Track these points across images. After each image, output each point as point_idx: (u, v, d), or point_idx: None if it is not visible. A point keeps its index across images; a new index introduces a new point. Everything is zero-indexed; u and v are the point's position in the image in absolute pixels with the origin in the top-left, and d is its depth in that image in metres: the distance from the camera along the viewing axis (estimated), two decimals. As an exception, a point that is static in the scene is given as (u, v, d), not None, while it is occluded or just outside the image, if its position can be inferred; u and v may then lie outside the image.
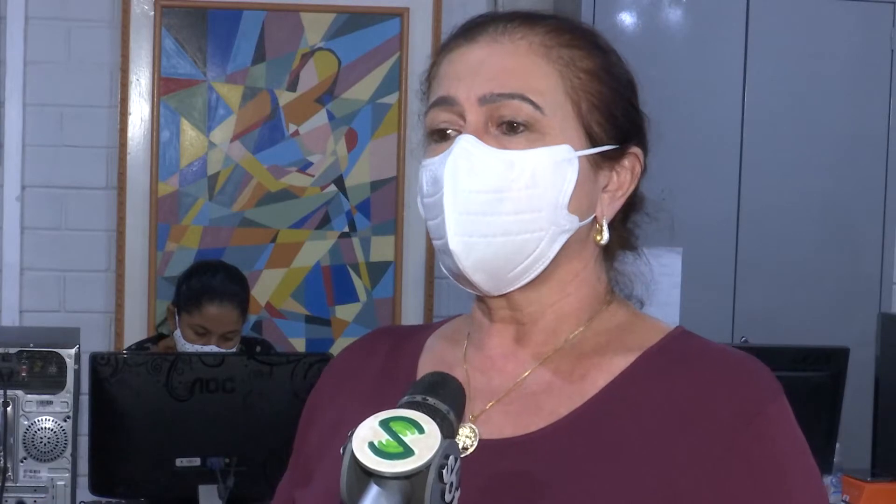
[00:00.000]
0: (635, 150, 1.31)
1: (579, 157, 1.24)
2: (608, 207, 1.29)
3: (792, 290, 4.42)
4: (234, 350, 3.62)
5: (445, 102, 1.26)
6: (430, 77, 1.31)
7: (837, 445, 3.48)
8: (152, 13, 4.41)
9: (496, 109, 1.23)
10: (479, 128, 1.24)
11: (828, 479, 3.51)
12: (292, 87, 4.50)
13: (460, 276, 1.25)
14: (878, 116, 4.48)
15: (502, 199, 1.21)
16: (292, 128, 4.51)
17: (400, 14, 4.52)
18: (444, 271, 1.27)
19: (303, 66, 4.50)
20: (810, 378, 3.41)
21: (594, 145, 1.26)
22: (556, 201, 1.23)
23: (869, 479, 3.65)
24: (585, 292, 1.30)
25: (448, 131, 1.26)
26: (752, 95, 4.39)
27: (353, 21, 4.51)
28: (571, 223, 1.25)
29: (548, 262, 1.24)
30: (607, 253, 1.32)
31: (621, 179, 1.30)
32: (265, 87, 4.49)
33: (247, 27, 4.47)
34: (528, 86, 1.24)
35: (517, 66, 1.25)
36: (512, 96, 1.23)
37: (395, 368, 1.36)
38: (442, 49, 1.31)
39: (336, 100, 4.52)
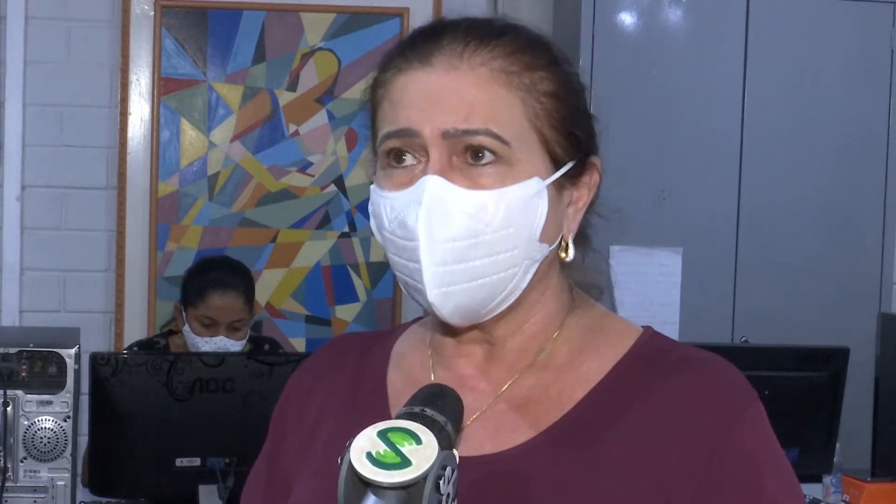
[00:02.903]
0: (594, 160, 1.28)
1: (547, 186, 1.22)
2: (573, 222, 1.28)
3: (792, 290, 4.42)
4: (243, 342, 3.64)
5: (406, 135, 1.21)
6: (379, 95, 1.25)
7: (837, 445, 3.48)
8: (152, 13, 4.41)
9: (462, 142, 1.20)
10: (444, 163, 1.19)
11: (828, 479, 3.51)
12: (292, 87, 4.50)
13: (435, 316, 1.24)
14: (878, 116, 4.47)
15: (477, 245, 1.19)
16: (292, 128, 4.51)
17: (400, 14, 4.52)
18: (410, 296, 1.25)
19: (303, 66, 4.50)
20: (810, 378, 3.41)
21: (557, 167, 1.24)
22: (529, 236, 1.21)
23: (869, 479, 3.64)
24: (552, 306, 1.29)
25: (406, 156, 1.21)
26: (752, 95, 4.38)
27: (353, 21, 4.51)
28: (543, 252, 1.24)
29: (520, 292, 1.23)
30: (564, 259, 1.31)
31: (581, 192, 1.28)
32: (265, 87, 4.49)
33: (247, 27, 4.47)
34: (492, 119, 1.20)
35: (480, 97, 1.20)
36: (478, 132, 1.19)
37: (362, 381, 1.35)
38: (390, 65, 1.25)
39: (336, 100, 4.51)
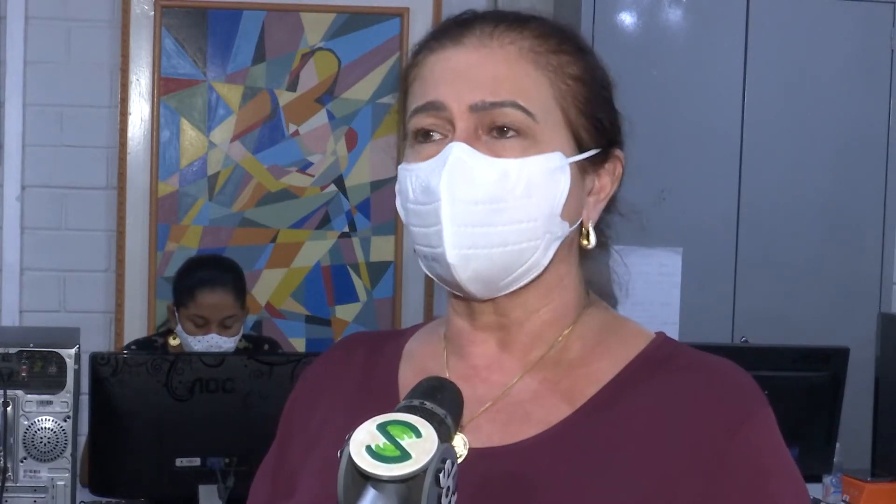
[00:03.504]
0: (618, 153, 1.30)
1: (570, 164, 1.24)
2: (593, 211, 1.29)
3: (792, 290, 4.42)
4: (236, 338, 3.64)
5: (433, 108, 1.24)
6: (411, 77, 1.29)
7: (837, 445, 3.48)
8: (152, 13, 4.41)
9: (488, 116, 1.22)
10: (469, 134, 1.22)
11: (828, 479, 3.51)
12: (292, 87, 4.50)
13: (453, 285, 1.24)
14: (878, 116, 4.48)
15: (499, 210, 1.21)
16: (292, 128, 4.51)
17: (400, 14, 4.52)
18: (429, 273, 1.26)
19: (303, 66, 4.50)
20: (810, 378, 3.41)
21: (581, 151, 1.26)
22: (550, 210, 1.23)
23: (869, 479, 3.64)
24: (569, 296, 1.30)
25: (433, 134, 1.24)
26: (752, 95, 4.39)
27: (353, 21, 4.51)
28: (564, 230, 1.25)
29: (541, 269, 1.24)
30: (583, 254, 1.32)
31: (603, 182, 1.30)
32: (265, 87, 4.49)
33: (247, 27, 4.47)
34: (519, 93, 1.23)
35: (508, 72, 1.24)
36: (504, 104, 1.22)
37: (373, 378, 1.36)
38: (423, 47, 1.29)
39: (336, 100, 4.51)
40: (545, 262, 1.24)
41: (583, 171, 1.26)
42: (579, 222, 1.28)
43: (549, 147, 1.23)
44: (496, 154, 1.22)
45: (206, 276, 3.68)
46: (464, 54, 1.25)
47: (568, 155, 1.24)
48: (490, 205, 1.20)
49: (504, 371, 1.28)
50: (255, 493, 1.40)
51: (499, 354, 1.29)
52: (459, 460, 1.21)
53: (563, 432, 1.23)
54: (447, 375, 1.29)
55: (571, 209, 1.25)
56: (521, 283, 1.24)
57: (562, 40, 1.27)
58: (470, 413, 1.26)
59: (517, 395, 1.27)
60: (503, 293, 1.25)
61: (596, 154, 1.27)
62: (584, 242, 1.28)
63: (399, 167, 1.28)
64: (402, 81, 1.30)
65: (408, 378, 1.33)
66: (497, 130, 1.22)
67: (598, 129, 1.27)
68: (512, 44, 1.25)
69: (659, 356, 1.27)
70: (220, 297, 3.64)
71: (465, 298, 1.27)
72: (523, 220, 1.21)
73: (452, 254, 1.20)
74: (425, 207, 1.22)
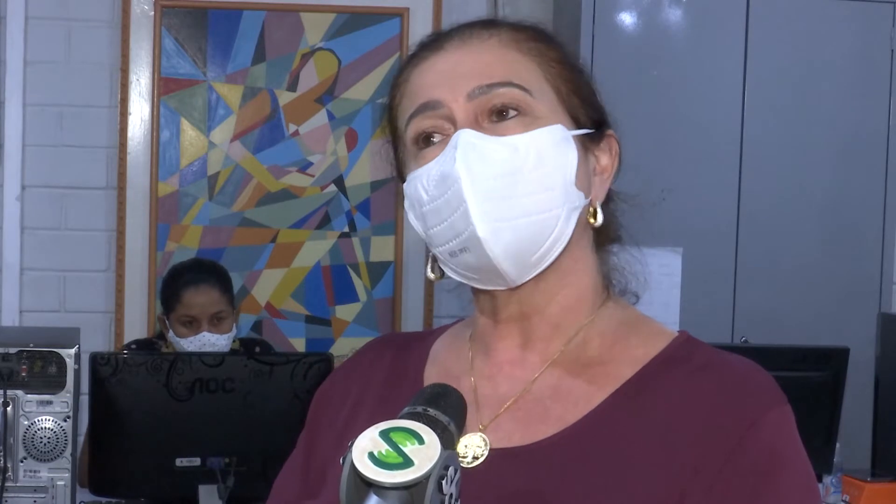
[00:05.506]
0: (611, 132, 1.33)
1: (573, 137, 1.26)
2: (600, 189, 1.31)
3: (792, 290, 4.42)
4: (230, 335, 3.65)
5: (429, 108, 1.26)
6: (398, 95, 1.31)
7: (837, 445, 3.48)
8: (152, 13, 4.41)
9: (486, 101, 1.24)
10: (471, 123, 1.24)
11: (828, 479, 3.51)
12: (292, 87, 4.50)
13: (488, 267, 1.23)
14: (878, 116, 4.47)
15: (516, 182, 1.22)
16: (292, 128, 4.51)
17: (400, 14, 4.52)
18: (457, 273, 1.26)
19: (303, 66, 4.50)
20: (810, 378, 3.41)
21: (579, 128, 1.28)
22: (564, 179, 1.24)
23: (869, 479, 3.64)
24: (586, 282, 1.31)
25: (434, 136, 1.26)
26: (752, 95, 4.39)
27: (353, 21, 4.52)
28: (581, 200, 1.26)
29: (566, 241, 1.25)
30: (598, 246, 1.33)
31: (604, 162, 1.32)
32: (265, 87, 4.49)
33: (247, 27, 4.47)
34: (513, 73, 1.25)
35: (496, 58, 1.27)
36: (501, 84, 1.24)
37: (400, 379, 1.37)
38: (405, 66, 1.31)
39: (336, 100, 4.51)
40: (568, 232, 1.25)
41: (585, 148, 1.28)
42: (590, 200, 1.29)
43: (548, 121, 1.25)
44: (501, 134, 1.24)
45: (189, 278, 3.71)
46: (446, 56, 1.28)
47: (568, 128, 1.26)
48: (507, 178, 1.22)
49: (526, 366, 1.29)
50: (281, 487, 1.40)
51: (521, 349, 1.30)
52: (480, 460, 1.23)
53: (581, 431, 1.23)
54: (471, 376, 1.31)
55: (583, 181, 1.27)
56: (551, 258, 1.25)
57: (536, 32, 1.31)
58: (493, 411, 1.27)
59: (537, 392, 1.28)
60: (534, 272, 1.25)
61: (592, 133, 1.29)
62: (591, 220, 1.29)
63: (405, 184, 1.29)
64: (388, 103, 1.33)
65: (432, 378, 1.34)
66: (497, 114, 1.24)
67: (590, 108, 1.30)
68: (492, 37, 1.28)
69: (678, 356, 1.28)
70: (205, 293, 3.65)
71: (490, 292, 1.28)
72: (541, 189, 1.23)
73: (482, 228, 1.20)
74: (444, 197, 1.23)
